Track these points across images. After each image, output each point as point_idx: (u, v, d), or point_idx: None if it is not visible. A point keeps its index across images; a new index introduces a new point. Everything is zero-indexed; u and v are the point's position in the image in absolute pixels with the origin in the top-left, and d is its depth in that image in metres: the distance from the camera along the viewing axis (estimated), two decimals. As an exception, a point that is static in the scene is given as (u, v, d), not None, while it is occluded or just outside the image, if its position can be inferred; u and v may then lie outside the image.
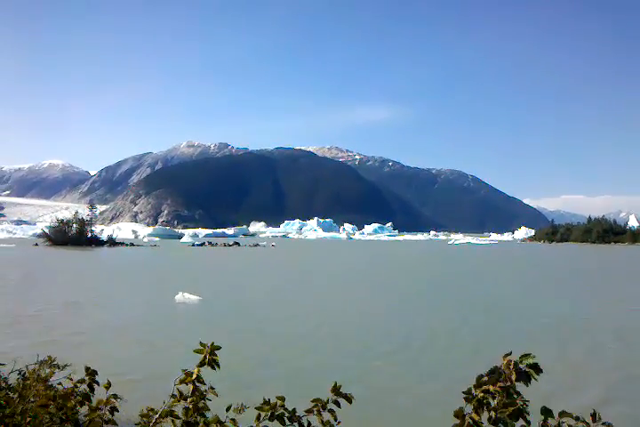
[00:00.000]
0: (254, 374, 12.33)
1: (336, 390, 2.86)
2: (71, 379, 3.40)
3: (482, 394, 2.41)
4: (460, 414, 2.44)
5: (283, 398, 2.84)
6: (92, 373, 3.41)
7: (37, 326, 17.48)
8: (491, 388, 2.41)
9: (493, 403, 2.41)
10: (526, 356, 2.42)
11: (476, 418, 2.41)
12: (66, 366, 5.62)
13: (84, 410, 3.28)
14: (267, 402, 2.82)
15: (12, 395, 3.60)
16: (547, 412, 2.34)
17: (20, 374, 4.53)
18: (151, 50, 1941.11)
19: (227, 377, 9.86)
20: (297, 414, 2.83)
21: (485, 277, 41.42)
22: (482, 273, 44.99)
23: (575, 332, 18.04)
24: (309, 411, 2.82)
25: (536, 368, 2.40)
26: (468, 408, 2.46)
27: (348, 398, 2.84)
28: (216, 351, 2.98)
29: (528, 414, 2.37)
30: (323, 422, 2.79)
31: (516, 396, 2.39)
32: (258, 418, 2.81)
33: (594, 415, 2.31)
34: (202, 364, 2.97)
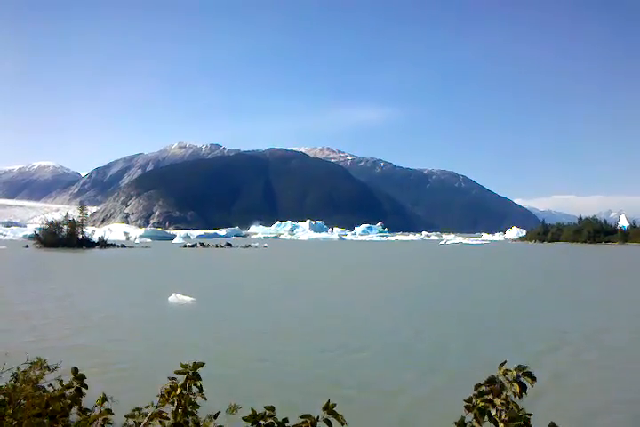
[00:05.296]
0: (245, 378, 12.26)
1: (329, 408, 2.56)
2: (61, 381, 3.36)
3: (482, 403, 2.39)
4: (461, 423, 2.42)
5: (272, 408, 2.66)
6: (80, 376, 3.30)
7: (50, 333, 17.40)
8: (496, 400, 2.37)
9: (493, 413, 2.39)
10: (521, 367, 2.43)
11: (477, 427, 2.38)
12: (56, 367, 5.59)
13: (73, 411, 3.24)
14: (254, 414, 2.63)
15: (2, 397, 3.56)
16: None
17: (12, 375, 4.50)
18: (143, 53, 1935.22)
19: (220, 385, 9.85)
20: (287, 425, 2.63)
21: (475, 279, 41.58)
22: (472, 275, 45.14)
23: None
24: None
25: (530, 376, 2.38)
26: (468, 417, 2.44)
27: (340, 420, 2.53)
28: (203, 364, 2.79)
29: None
30: None
31: (516, 409, 2.37)
32: None
33: None
34: (184, 386, 2.79)
